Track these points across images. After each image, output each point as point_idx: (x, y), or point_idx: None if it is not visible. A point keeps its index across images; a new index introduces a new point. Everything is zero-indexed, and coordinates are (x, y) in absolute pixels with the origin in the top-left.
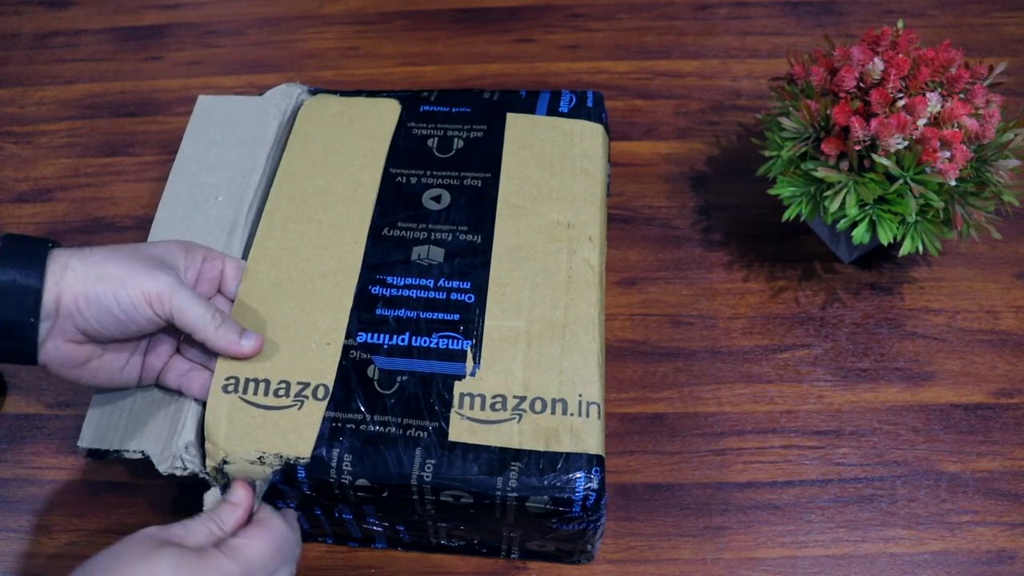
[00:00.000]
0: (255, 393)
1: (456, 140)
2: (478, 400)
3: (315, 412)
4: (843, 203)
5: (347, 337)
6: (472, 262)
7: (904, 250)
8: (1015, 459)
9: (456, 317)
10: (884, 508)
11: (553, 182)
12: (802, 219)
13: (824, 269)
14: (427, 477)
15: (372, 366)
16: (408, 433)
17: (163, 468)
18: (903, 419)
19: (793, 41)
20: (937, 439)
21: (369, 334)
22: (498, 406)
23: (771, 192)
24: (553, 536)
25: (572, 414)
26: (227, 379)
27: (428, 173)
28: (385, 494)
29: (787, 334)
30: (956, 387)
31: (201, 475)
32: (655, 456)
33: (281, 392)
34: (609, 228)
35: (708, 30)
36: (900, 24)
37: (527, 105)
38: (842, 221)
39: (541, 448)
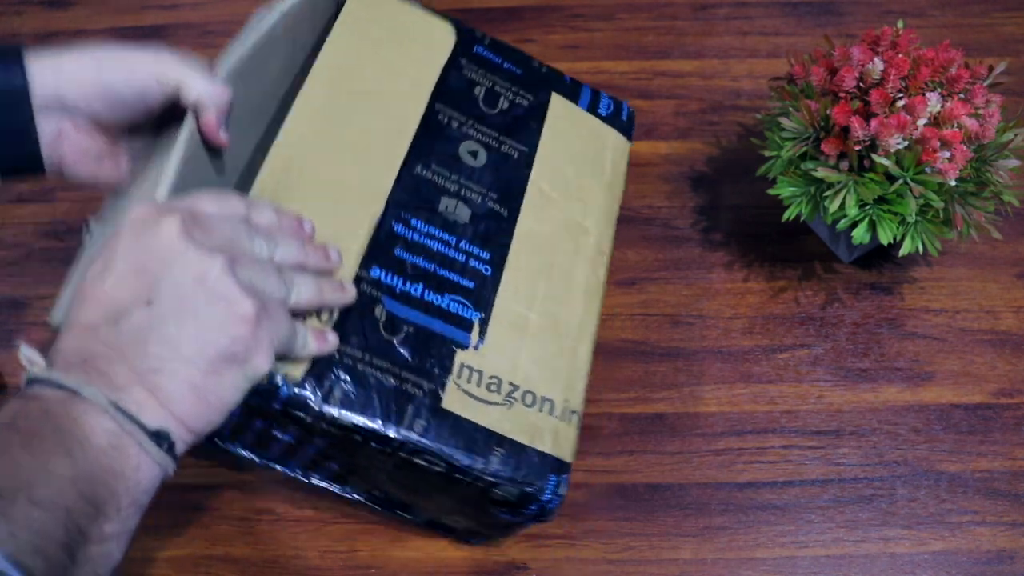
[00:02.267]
0: None
1: (503, 99)
2: (476, 375)
3: None
4: (843, 203)
5: (361, 267)
6: (496, 233)
7: (904, 250)
8: (1015, 459)
9: (471, 285)
10: (884, 508)
11: (582, 182)
12: (802, 219)
13: (824, 269)
14: (413, 436)
15: (381, 307)
16: (404, 387)
17: None
18: (903, 419)
19: (793, 41)
20: (937, 439)
21: (384, 272)
22: (493, 387)
23: (771, 192)
24: (485, 521)
25: (556, 417)
26: None
27: (470, 123)
28: (358, 437)
29: (787, 334)
30: (956, 387)
31: None
32: (655, 456)
33: None
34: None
35: (708, 30)
36: (900, 24)
37: (571, 92)
38: (842, 221)
39: (524, 441)
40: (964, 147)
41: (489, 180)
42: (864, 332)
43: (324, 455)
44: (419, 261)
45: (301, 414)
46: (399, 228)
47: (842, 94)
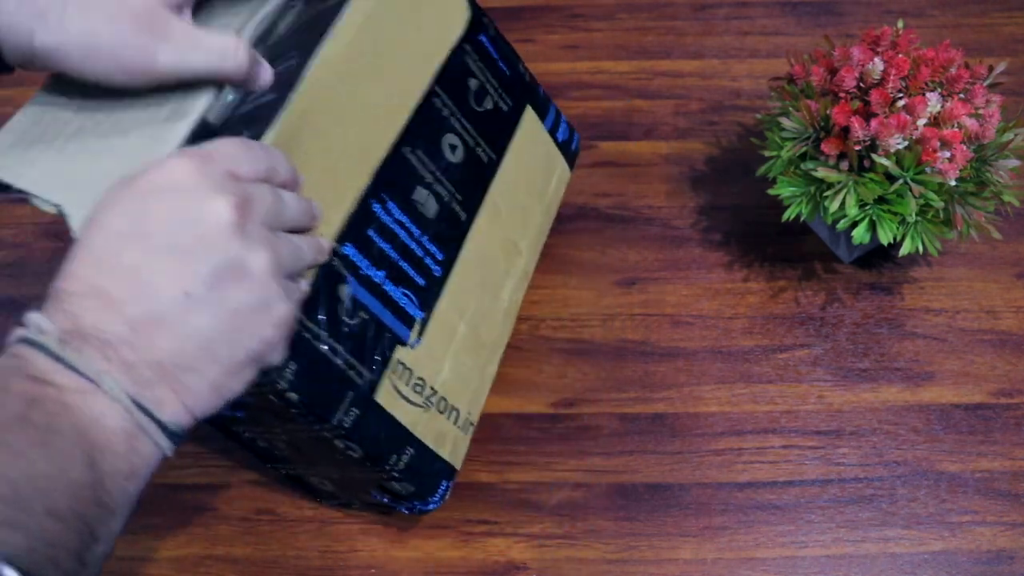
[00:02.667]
0: None
1: (488, 98)
2: (407, 374)
3: None
4: (843, 203)
5: (337, 239)
6: (451, 236)
7: (904, 250)
8: (1015, 459)
9: (422, 283)
10: (884, 508)
11: (527, 203)
12: (802, 219)
13: (824, 269)
14: (346, 423)
15: (346, 287)
16: (348, 373)
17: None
18: (903, 419)
19: (793, 41)
20: (937, 439)
21: (354, 251)
22: (418, 388)
23: (771, 192)
24: (360, 496)
25: (459, 426)
26: None
27: (457, 115)
28: (294, 411)
29: (787, 334)
30: (956, 387)
31: None
32: (655, 456)
33: None
34: (609, 228)
35: (708, 30)
36: (900, 24)
37: (542, 108)
38: (842, 221)
39: (431, 446)
40: (964, 147)
41: (458, 179)
42: (864, 332)
43: (249, 421)
44: (386, 248)
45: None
46: (377, 208)
47: (842, 94)
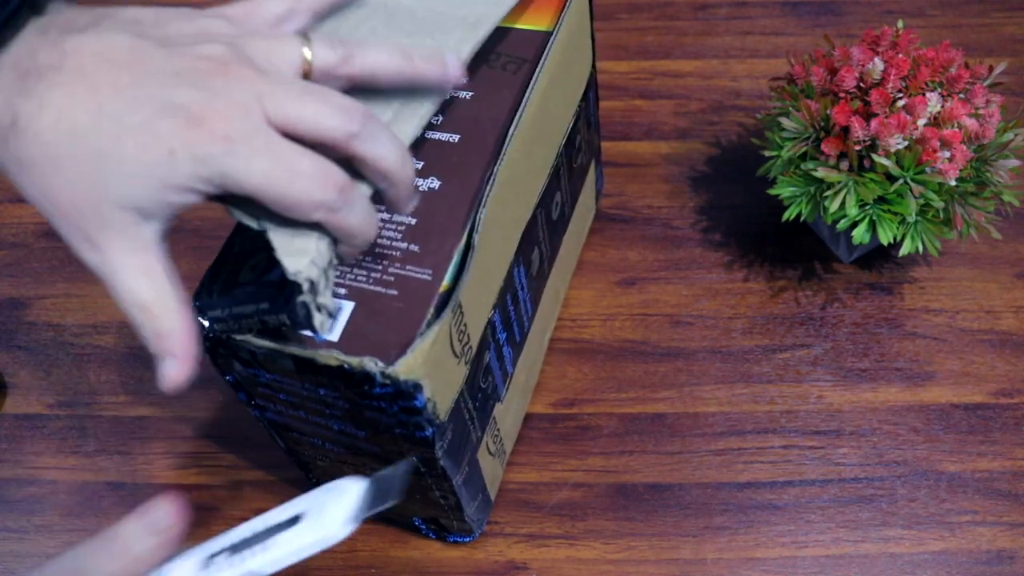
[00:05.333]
0: None
1: (582, 155)
2: (493, 428)
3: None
4: (843, 203)
5: (492, 308)
6: (539, 290)
7: (904, 250)
8: (1015, 459)
9: (519, 339)
10: (884, 508)
11: (574, 251)
12: (802, 219)
13: (824, 269)
14: (458, 481)
15: (488, 353)
16: (471, 436)
17: None
18: (903, 419)
19: (793, 41)
20: (937, 439)
21: (499, 318)
22: (497, 440)
23: (771, 192)
24: (426, 529)
25: (502, 465)
26: None
27: (564, 170)
28: (425, 471)
29: (787, 334)
30: (956, 387)
31: None
32: (655, 456)
33: None
34: (609, 228)
35: (708, 30)
36: (900, 24)
37: (598, 155)
38: (842, 221)
39: (490, 488)
40: (964, 147)
41: (553, 235)
42: (864, 332)
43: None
44: (511, 311)
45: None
46: (515, 273)
47: (842, 94)
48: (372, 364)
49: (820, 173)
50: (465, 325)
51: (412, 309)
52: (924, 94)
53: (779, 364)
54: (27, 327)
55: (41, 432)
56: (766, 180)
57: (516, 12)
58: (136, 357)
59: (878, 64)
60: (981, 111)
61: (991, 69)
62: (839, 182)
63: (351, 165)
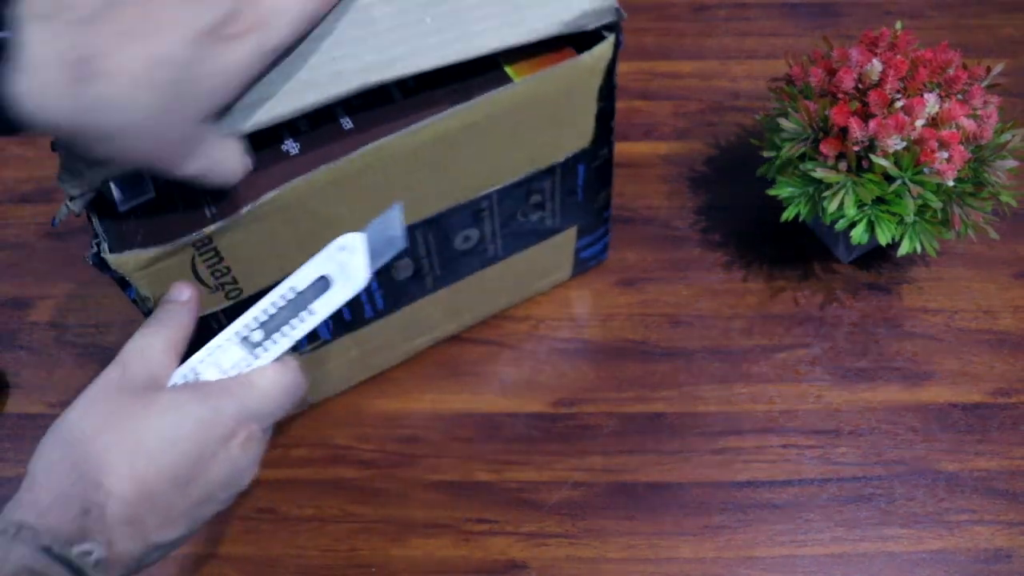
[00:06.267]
0: None
1: (537, 214)
2: None
3: None
4: (841, 203)
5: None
6: (406, 296)
7: (902, 250)
8: (1013, 458)
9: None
10: (882, 507)
11: (503, 289)
12: (801, 219)
13: (823, 269)
14: None
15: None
16: None
17: None
18: (901, 418)
19: (792, 42)
20: (935, 438)
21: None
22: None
23: (770, 192)
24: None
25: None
26: None
27: (494, 217)
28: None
29: (786, 334)
30: (954, 387)
31: None
32: (655, 456)
33: None
34: (609, 228)
35: (707, 31)
36: (898, 25)
37: (590, 229)
38: (841, 221)
39: None
40: (962, 148)
41: (449, 262)
42: (862, 332)
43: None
44: None
45: None
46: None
47: (841, 95)
48: (106, 244)
49: (819, 174)
50: (227, 268)
51: (175, 226)
52: (922, 95)
53: (778, 364)
54: (29, 327)
55: (43, 431)
56: (765, 180)
57: (528, 59)
58: None
59: (876, 65)
60: (979, 112)
61: (989, 70)
62: (838, 182)
63: None
